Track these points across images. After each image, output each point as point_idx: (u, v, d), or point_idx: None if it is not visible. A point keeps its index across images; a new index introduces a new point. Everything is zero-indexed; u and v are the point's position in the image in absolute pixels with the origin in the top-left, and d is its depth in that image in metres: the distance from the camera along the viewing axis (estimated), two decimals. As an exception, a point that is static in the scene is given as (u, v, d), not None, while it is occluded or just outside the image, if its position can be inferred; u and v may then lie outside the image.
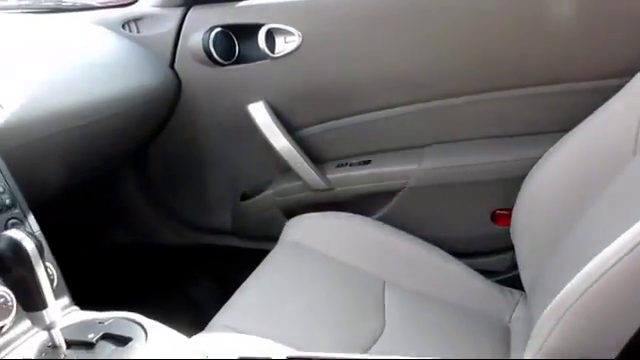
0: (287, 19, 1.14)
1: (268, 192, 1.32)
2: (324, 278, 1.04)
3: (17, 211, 0.70)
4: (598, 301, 0.55)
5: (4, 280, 0.59)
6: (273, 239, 1.17)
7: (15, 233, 0.57)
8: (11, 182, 0.71)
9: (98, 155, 1.12)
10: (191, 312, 1.12)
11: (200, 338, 0.80)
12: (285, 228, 1.17)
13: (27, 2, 1.23)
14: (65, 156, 0.96)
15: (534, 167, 1.00)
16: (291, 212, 1.25)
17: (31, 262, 0.56)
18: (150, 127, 1.24)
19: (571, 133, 0.95)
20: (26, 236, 0.57)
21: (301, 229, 1.15)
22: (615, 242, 0.55)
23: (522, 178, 1.02)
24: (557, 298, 0.59)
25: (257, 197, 1.34)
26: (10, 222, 0.69)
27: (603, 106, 0.91)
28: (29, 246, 0.56)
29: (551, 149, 0.98)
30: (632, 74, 0.89)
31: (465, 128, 1.14)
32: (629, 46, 0.94)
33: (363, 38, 1.12)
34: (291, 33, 1.15)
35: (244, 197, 1.37)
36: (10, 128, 0.77)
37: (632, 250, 0.53)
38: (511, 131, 1.11)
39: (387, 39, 1.10)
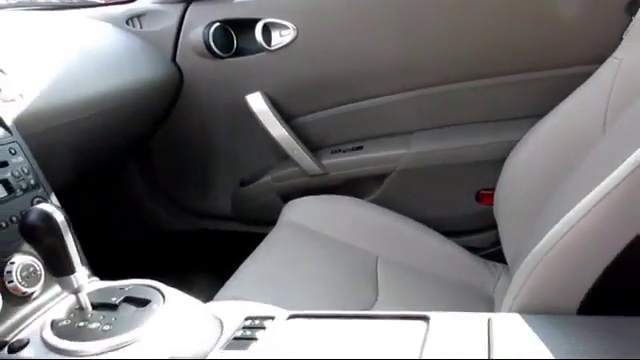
0: (282, 14, 1.21)
1: (266, 178, 1.39)
2: (321, 254, 1.11)
3: (40, 190, 0.76)
4: (560, 259, 0.62)
5: (36, 248, 0.66)
6: (271, 223, 1.24)
7: (46, 206, 0.63)
8: (34, 164, 0.77)
9: (105, 144, 1.18)
10: (195, 292, 1.19)
11: (209, 305, 0.87)
12: (283, 210, 1.24)
13: (34, -1, 1.29)
14: (76, 145, 1.02)
15: (514, 149, 1.08)
16: (288, 197, 1.31)
17: (61, 231, 0.63)
18: (154, 118, 1.30)
19: (547, 116, 1.03)
20: (56, 209, 0.63)
21: (298, 211, 1.22)
22: (572, 210, 0.63)
23: (504, 160, 1.10)
24: (526, 259, 0.67)
25: (256, 183, 1.41)
26: (35, 200, 0.75)
27: (575, 91, 0.99)
28: (59, 217, 0.63)
29: (529, 132, 1.06)
30: (601, 62, 0.97)
31: (450, 114, 1.21)
32: (598, 37, 1.01)
33: (354, 31, 1.18)
34: (286, 27, 1.21)
35: (243, 183, 1.44)
36: (29, 116, 0.83)
37: (586, 215, 0.60)
38: (492, 116, 1.19)
39: (377, 32, 1.17)
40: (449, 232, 1.21)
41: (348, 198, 1.25)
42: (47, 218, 0.62)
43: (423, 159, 1.23)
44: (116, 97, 1.10)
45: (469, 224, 1.25)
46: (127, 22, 1.28)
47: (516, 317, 0.62)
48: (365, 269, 1.10)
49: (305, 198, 1.25)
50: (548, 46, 1.08)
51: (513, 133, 1.10)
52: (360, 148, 1.30)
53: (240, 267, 1.07)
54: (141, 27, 1.28)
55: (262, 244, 1.15)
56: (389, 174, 1.27)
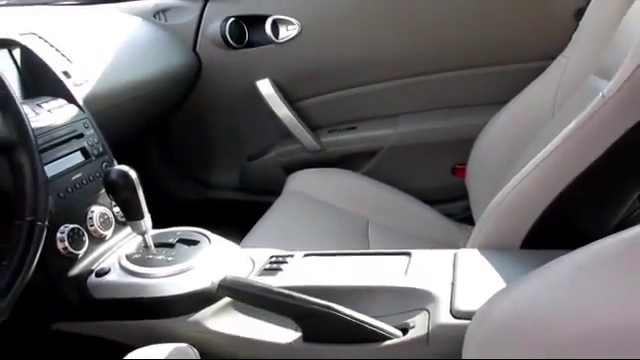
0: (289, 11, 1.40)
1: (271, 154, 1.58)
2: (320, 218, 1.29)
3: (107, 157, 0.95)
4: (506, 209, 0.84)
5: (115, 199, 0.84)
6: (275, 192, 1.41)
7: (123, 167, 0.82)
8: (101, 135, 0.96)
9: (136, 124, 1.36)
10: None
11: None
12: (287, 181, 1.42)
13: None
14: (118, 124, 1.20)
15: (482, 130, 1.27)
16: (291, 170, 1.48)
17: (135, 186, 0.82)
18: (176, 100, 1.48)
19: (509, 103, 1.23)
20: (130, 169, 0.83)
21: (300, 182, 1.40)
22: (518, 174, 0.84)
23: (474, 139, 1.28)
24: (484, 211, 0.89)
25: (262, 158, 1.59)
26: (104, 164, 0.94)
27: (532, 82, 1.20)
28: (133, 175, 0.82)
29: (495, 116, 1.25)
30: (553, 59, 1.17)
31: (430, 100, 1.41)
32: (551, 39, 1.21)
33: (349, 28, 1.38)
34: (292, 23, 1.40)
35: (251, 158, 1.62)
36: (93, 97, 1.01)
37: (525, 177, 0.82)
38: (465, 102, 1.39)
39: (368, 30, 1.36)
40: (429, 200, 1.40)
41: (343, 171, 1.44)
42: (125, 176, 0.81)
43: (407, 138, 1.43)
44: (147, 83, 1.27)
45: (446, 194, 1.45)
46: (154, 16, 1.44)
47: (474, 251, 0.84)
48: (358, 230, 1.28)
49: (306, 170, 1.43)
50: (511, 45, 1.30)
51: (482, 117, 1.29)
52: (354, 128, 1.49)
53: (253, 227, 1.24)
54: (166, 20, 1.45)
55: (270, 210, 1.32)
56: (378, 151, 1.47)
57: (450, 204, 1.45)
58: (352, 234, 1.27)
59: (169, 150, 1.66)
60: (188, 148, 1.66)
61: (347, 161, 1.51)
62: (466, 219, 1.36)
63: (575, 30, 1.16)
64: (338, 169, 1.45)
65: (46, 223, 0.66)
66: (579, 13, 1.18)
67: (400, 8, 1.33)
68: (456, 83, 1.38)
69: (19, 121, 0.65)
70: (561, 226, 0.84)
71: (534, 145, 1.10)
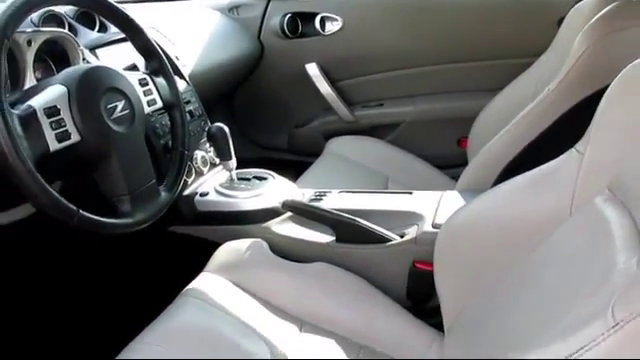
0: (334, 10, 1.75)
1: (314, 123, 1.94)
2: (351, 174, 1.62)
3: (204, 117, 1.34)
4: (483, 160, 1.20)
5: (213, 145, 1.22)
6: (316, 154, 1.74)
7: (219, 124, 1.22)
8: (200, 102, 1.34)
9: (216, 93, 1.72)
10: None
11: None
12: (326, 145, 1.77)
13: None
14: (206, 94, 1.57)
15: (482, 110, 1.59)
16: (329, 136, 1.82)
17: (227, 136, 1.21)
18: (242, 77, 1.85)
19: (503, 90, 1.55)
20: (224, 125, 1.22)
21: (337, 146, 1.73)
22: (493, 138, 1.20)
23: (475, 117, 1.60)
24: (469, 164, 1.25)
25: (307, 126, 1.96)
26: (202, 123, 1.33)
27: (521, 74, 1.51)
28: (227, 130, 1.21)
29: (492, 99, 1.57)
30: (538, 56, 1.48)
31: (442, 85, 1.76)
32: (538, 40, 1.51)
33: (381, 26, 1.72)
34: (336, 19, 1.76)
35: (297, 126, 1.98)
36: (191, 76, 1.39)
37: (500, 138, 1.17)
38: (469, 88, 1.73)
39: (395, 27, 1.71)
40: (438, 165, 1.71)
41: (371, 138, 1.77)
42: (222, 130, 1.20)
43: (423, 114, 1.77)
44: (226, 64, 1.64)
45: (451, 160, 1.76)
46: (229, 10, 1.82)
47: (455, 192, 1.20)
48: (380, 185, 1.59)
49: (341, 137, 1.77)
50: (506, 44, 1.63)
51: (482, 100, 1.60)
52: (381, 105, 1.84)
53: (299, 179, 1.58)
54: (238, 14, 1.82)
55: (312, 167, 1.65)
56: (400, 124, 1.82)
57: (454, 169, 1.71)
58: (375, 187, 1.60)
59: (232, 117, 2.03)
60: (248, 116, 2.02)
61: (375, 131, 1.85)
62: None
63: (556, 34, 1.48)
64: (367, 137, 1.78)
65: (189, 152, 1.06)
66: (561, 21, 1.48)
67: (420, 14, 1.68)
68: (462, 72, 1.72)
69: (175, 89, 1.04)
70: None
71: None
